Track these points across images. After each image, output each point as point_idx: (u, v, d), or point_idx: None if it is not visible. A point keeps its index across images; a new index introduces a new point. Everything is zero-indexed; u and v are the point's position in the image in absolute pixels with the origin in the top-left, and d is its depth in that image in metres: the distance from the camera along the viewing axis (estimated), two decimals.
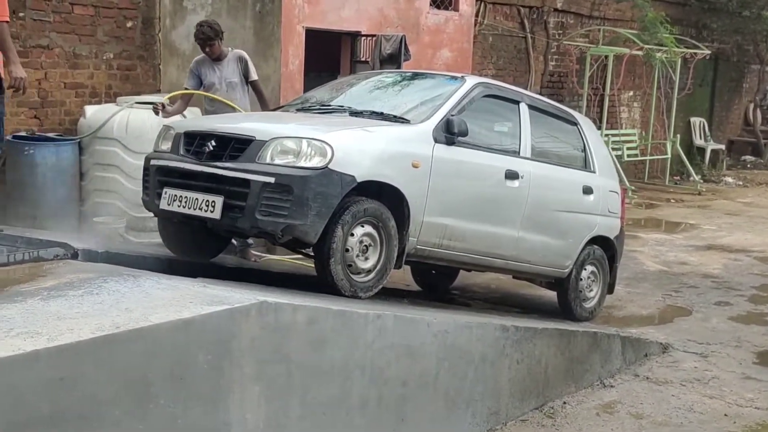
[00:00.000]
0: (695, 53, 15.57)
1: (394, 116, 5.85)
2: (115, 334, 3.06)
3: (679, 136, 16.31)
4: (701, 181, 16.24)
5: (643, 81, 16.06)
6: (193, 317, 3.32)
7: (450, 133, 5.76)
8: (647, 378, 5.88)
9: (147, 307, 3.40)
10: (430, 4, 10.39)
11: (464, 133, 5.82)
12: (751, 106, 19.60)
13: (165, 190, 5.49)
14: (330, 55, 9.98)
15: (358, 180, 5.18)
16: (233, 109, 7.33)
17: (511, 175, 6.24)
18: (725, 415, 5.32)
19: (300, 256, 7.58)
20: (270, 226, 5.09)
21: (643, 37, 14.18)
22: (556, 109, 7.22)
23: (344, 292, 5.21)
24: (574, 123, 7.25)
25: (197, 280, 4.18)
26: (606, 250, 7.26)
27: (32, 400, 2.79)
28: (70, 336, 2.97)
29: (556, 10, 14.79)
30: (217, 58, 7.46)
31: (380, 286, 5.46)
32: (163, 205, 5.48)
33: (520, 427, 5.04)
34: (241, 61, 7.50)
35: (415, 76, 6.67)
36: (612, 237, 7.32)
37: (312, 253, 5.47)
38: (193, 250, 6.22)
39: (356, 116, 5.94)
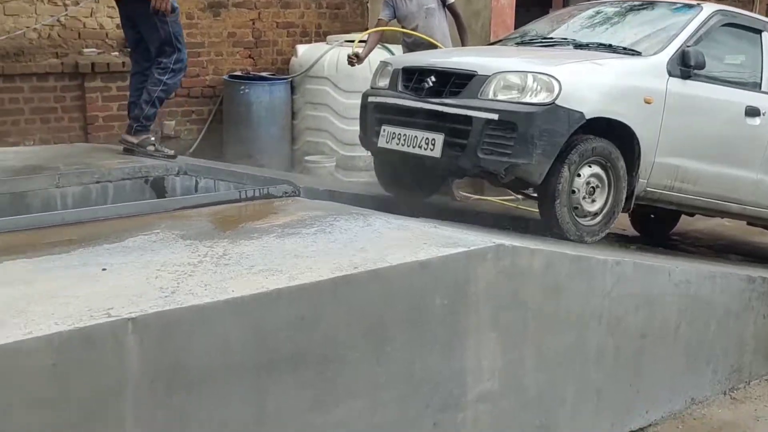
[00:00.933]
0: None
1: (624, 48, 5.43)
2: (353, 274, 2.94)
3: None
4: None
5: None
6: (429, 259, 3.16)
7: (686, 66, 5.30)
8: None
9: (381, 247, 3.27)
10: None
11: (701, 66, 5.34)
12: None
13: (383, 127, 5.36)
14: None
15: (587, 117, 4.85)
16: (432, 44, 7.09)
17: (752, 112, 5.69)
18: None
19: (510, 197, 7.44)
20: (492, 165, 4.86)
21: None
22: None
23: (569, 236, 4.93)
24: None
25: (426, 220, 4.03)
26: None
27: (275, 340, 2.72)
28: (309, 275, 2.87)
29: None
30: None
31: (607, 231, 5.15)
32: (382, 143, 5.36)
33: (765, 387, 4.64)
34: None
35: (643, 5, 6.18)
36: None
37: (535, 195, 5.23)
38: (409, 190, 6.09)
39: (581, 49, 5.57)
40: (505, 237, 3.80)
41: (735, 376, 4.55)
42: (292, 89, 8.57)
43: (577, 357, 3.77)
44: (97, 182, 4.55)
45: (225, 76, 8.34)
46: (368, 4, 9.70)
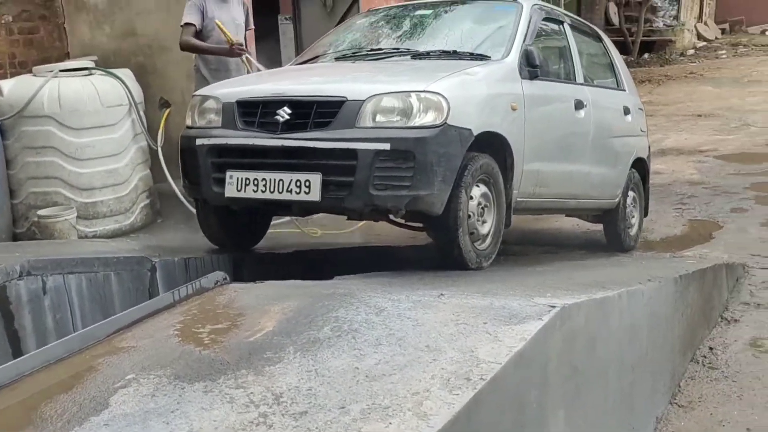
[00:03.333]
0: None
1: (471, 54, 5.06)
2: (479, 391, 2.24)
3: None
4: None
5: None
6: (523, 347, 2.53)
7: (532, 67, 5.06)
8: (759, 305, 5.50)
9: (446, 339, 2.57)
10: None
11: (542, 65, 5.14)
12: (611, 5, 19.79)
13: (229, 173, 4.50)
14: None
15: (475, 133, 4.43)
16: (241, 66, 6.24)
17: (578, 105, 5.63)
18: None
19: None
20: (390, 201, 4.25)
21: None
22: (585, 25, 6.63)
23: (471, 265, 4.50)
24: (600, 39, 6.70)
25: (407, 289, 3.34)
26: (640, 171, 6.83)
27: None
28: (432, 405, 2.13)
29: None
30: None
31: (496, 251, 4.78)
32: (231, 192, 4.49)
33: (694, 385, 4.52)
34: (244, 4, 6.35)
35: (456, 4, 5.83)
36: (645, 157, 6.90)
37: (424, 225, 4.69)
38: (236, 239, 5.27)
39: (422, 58, 5.11)
40: (448, 283, 3.27)
41: (672, 382, 4.41)
42: (3, 134, 7.14)
43: (600, 406, 3.34)
44: None
45: None
46: (65, 26, 8.43)
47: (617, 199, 6.38)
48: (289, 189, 4.32)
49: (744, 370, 4.67)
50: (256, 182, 4.42)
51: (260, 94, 4.62)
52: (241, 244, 5.29)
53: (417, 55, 5.15)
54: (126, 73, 7.37)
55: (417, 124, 4.24)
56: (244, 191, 4.46)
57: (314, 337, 2.67)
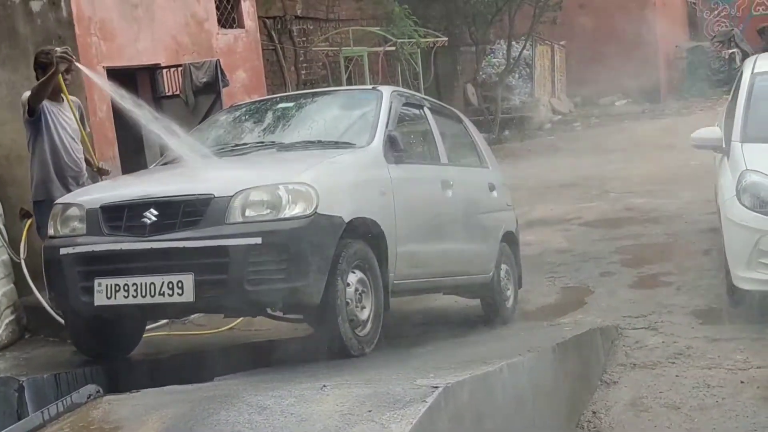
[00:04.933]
0: (435, 42, 15.91)
1: (336, 142, 5.14)
2: None
3: None
4: None
5: (387, 78, 16.13)
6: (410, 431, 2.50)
7: (397, 151, 5.18)
8: (635, 365, 5.64)
9: None
10: (218, 24, 9.51)
11: (407, 149, 5.27)
12: (469, 86, 20.50)
13: (98, 281, 4.38)
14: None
15: (346, 220, 4.46)
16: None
17: (445, 185, 5.77)
18: (741, 382, 5.21)
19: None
20: (266, 296, 4.24)
21: (393, 32, 14.20)
22: (444, 108, 6.85)
23: (353, 352, 4.49)
24: (460, 120, 6.92)
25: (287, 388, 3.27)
26: (510, 245, 7.00)
27: None
28: None
29: (297, 17, 14.41)
30: (55, 97, 5.83)
31: (378, 336, 4.77)
32: (101, 300, 4.37)
33: None
34: (79, 109, 6.20)
35: (318, 95, 5.93)
36: (513, 230, 7.09)
37: (304, 316, 4.65)
38: (109, 348, 5.10)
39: (288, 150, 5.14)
40: (331, 374, 3.23)
41: None
42: None
43: None
44: None
45: None
46: None
47: (491, 273, 6.50)
48: (162, 292, 4.24)
49: (628, 431, 4.77)
50: (126, 288, 4.31)
51: (125, 197, 4.55)
52: (115, 353, 5.12)
53: (282, 147, 5.19)
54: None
55: (287, 216, 4.25)
56: (115, 298, 4.34)
57: None
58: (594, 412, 5.02)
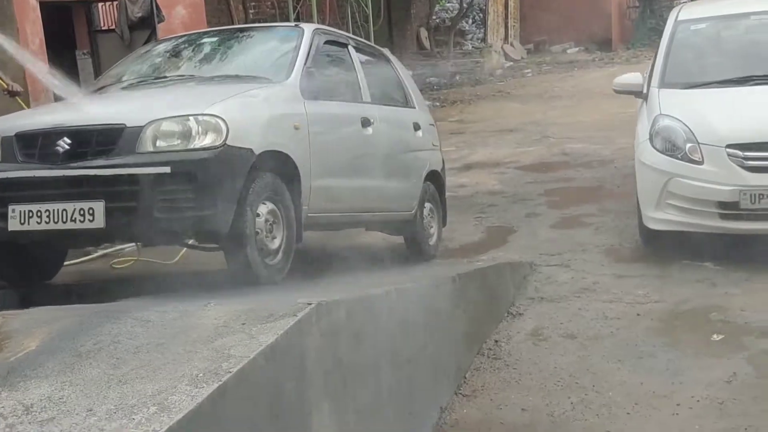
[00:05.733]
0: None
1: (253, 77, 5.24)
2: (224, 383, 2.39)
3: None
4: None
5: (337, 19, 16.12)
6: (276, 340, 2.69)
7: (314, 88, 5.30)
8: (542, 298, 5.90)
9: (204, 339, 2.70)
10: None
11: (324, 86, 5.38)
12: (422, 30, 20.55)
13: (12, 207, 4.49)
14: (63, 31, 8.78)
15: (256, 152, 4.59)
16: None
17: (365, 123, 5.91)
18: (638, 314, 5.49)
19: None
20: (175, 224, 4.37)
21: None
22: (371, 47, 6.96)
23: (262, 280, 4.65)
24: (388, 59, 7.02)
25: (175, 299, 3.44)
26: (435, 184, 7.17)
27: None
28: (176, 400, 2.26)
29: None
30: None
31: (289, 266, 4.94)
32: (14, 225, 4.48)
33: (479, 375, 4.83)
34: None
35: (242, 31, 6.01)
36: (439, 170, 7.26)
37: (215, 246, 4.79)
38: (25, 274, 5.22)
39: (206, 83, 5.24)
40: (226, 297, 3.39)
41: (458, 374, 4.68)
42: None
43: (377, 404, 3.54)
44: None
45: None
46: None
47: (413, 211, 6.68)
48: (73, 218, 4.36)
49: (524, 357, 5.03)
50: (39, 214, 4.42)
51: (39, 125, 4.64)
52: (32, 278, 5.24)
53: (201, 81, 5.28)
54: None
55: (197, 147, 4.37)
56: (28, 224, 4.45)
57: (76, 351, 2.75)
58: (496, 341, 5.28)
